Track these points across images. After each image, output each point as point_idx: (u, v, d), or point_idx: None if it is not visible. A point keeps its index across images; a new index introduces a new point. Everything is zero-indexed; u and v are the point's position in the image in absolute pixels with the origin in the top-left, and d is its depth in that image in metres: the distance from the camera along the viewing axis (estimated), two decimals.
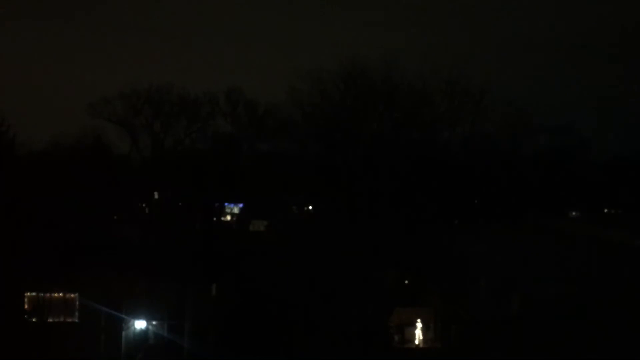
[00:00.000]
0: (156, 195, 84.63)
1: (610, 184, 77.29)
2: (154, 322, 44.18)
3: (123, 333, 42.63)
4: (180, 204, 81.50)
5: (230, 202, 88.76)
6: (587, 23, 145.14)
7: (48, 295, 42.45)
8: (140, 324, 43.97)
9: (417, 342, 49.39)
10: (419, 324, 49.56)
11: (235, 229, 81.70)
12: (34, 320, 42.38)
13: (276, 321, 44.81)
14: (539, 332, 42.33)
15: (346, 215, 58.29)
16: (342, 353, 42.84)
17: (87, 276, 41.66)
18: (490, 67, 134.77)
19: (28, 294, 42.52)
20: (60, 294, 42.52)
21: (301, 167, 69.36)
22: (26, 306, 42.62)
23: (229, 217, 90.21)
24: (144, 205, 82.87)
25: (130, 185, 78.62)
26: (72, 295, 42.42)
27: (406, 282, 54.12)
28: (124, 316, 42.41)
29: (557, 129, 75.22)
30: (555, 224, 58.53)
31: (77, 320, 42.41)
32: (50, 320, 42.38)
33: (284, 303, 45.86)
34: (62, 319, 42.45)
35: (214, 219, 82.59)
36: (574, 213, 77.80)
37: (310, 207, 77.74)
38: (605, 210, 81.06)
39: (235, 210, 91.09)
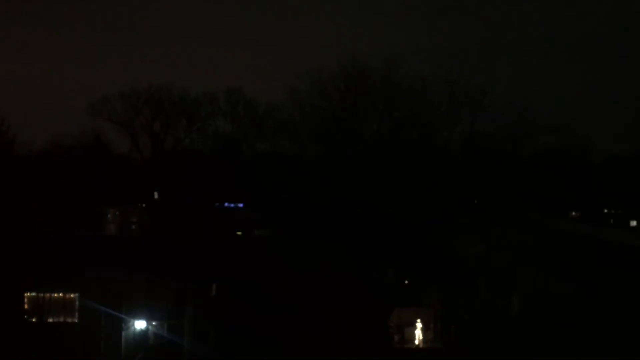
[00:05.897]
0: (156, 195, 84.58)
1: (610, 184, 77.32)
2: (154, 322, 44.14)
3: (123, 333, 42.56)
4: (180, 204, 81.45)
5: (230, 202, 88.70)
6: (587, 23, 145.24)
7: (48, 295, 42.37)
8: (140, 324, 43.92)
9: (417, 342, 49.38)
10: (419, 324, 49.54)
11: None
12: (33, 320, 42.30)
13: (276, 321, 44.82)
14: (539, 332, 42.35)
15: (346, 215, 58.28)
16: (342, 353, 42.85)
17: (87, 276, 41.61)
18: (490, 67, 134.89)
19: (28, 294, 42.43)
20: (60, 294, 42.43)
21: (301, 167, 69.33)
22: (26, 306, 42.53)
23: None
24: (143, 205, 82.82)
25: (130, 185, 78.64)
26: (71, 295, 42.33)
27: (406, 282, 54.14)
28: (124, 316, 42.35)
29: (557, 129, 75.15)
30: (555, 224, 58.54)
31: (76, 320, 42.31)
32: (50, 320, 42.30)
33: (284, 303, 45.87)
34: (61, 319, 42.36)
35: (214, 218, 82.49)
36: (574, 213, 77.82)
37: (310, 207, 77.62)
38: (605, 210, 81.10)
39: None
